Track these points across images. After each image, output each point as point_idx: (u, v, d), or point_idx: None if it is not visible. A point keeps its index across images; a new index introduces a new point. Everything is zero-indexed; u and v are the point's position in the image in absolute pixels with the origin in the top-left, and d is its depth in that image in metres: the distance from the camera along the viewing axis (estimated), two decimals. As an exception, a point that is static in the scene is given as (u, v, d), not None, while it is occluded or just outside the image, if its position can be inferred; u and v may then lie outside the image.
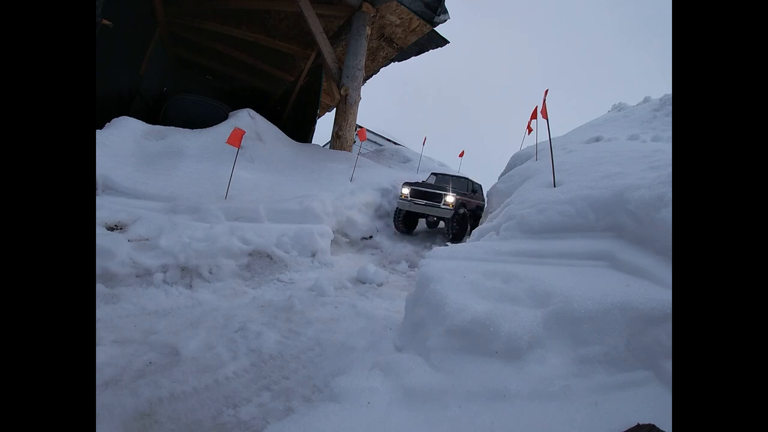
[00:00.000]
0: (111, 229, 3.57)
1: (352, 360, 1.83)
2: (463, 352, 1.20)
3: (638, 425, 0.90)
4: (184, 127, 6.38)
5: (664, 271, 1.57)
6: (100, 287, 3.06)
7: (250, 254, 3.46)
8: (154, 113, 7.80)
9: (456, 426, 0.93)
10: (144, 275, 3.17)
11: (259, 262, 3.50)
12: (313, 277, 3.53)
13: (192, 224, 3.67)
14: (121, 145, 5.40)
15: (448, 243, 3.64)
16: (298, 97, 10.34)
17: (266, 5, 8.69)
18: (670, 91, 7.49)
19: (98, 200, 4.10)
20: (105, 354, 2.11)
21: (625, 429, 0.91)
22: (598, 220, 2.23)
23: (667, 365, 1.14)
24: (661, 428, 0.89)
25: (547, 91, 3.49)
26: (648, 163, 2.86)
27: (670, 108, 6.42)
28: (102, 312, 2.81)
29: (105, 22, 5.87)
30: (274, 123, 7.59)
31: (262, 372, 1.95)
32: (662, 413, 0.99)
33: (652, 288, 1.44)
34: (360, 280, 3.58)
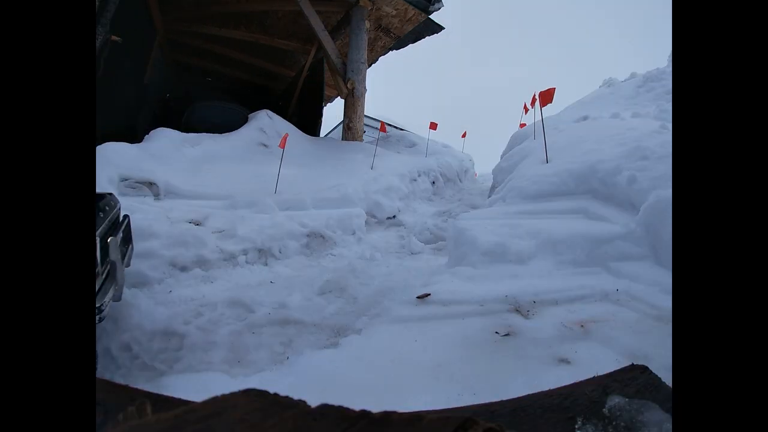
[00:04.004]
0: (193, 224, 4.41)
1: (414, 293, 2.74)
2: (491, 263, 2.15)
3: (632, 365, 0.87)
4: (207, 133, 6.92)
5: (617, 215, 2.47)
6: (197, 271, 3.90)
7: (307, 235, 4.33)
8: (161, 121, 7.87)
9: (491, 286, 1.88)
10: (230, 258, 4.03)
11: (315, 241, 4.37)
12: (357, 250, 4.42)
13: (255, 216, 4.51)
14: (167, 154, 6.13)
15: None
16: (302, 93, 10.74)
17: (265, 6, 8.96)
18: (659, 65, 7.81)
19: (164, 203, 4.90)
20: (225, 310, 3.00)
21: (618, 368, 0.88)
22: (577, 186, 3.11)
23: (612, 265, 2.04)
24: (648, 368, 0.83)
25: (554, 89, 4.11)
26: (618, 141, 3.67)
27: (652, 84, 7.03)
28: (206, 289, 3.67)
29: (114, 38, 6.13)
30: (279, 118, 8.00)
31: (352, 308, 2.87)
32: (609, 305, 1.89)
33: (607, 226, 2.35)
34: (396, 251, 4.47)
